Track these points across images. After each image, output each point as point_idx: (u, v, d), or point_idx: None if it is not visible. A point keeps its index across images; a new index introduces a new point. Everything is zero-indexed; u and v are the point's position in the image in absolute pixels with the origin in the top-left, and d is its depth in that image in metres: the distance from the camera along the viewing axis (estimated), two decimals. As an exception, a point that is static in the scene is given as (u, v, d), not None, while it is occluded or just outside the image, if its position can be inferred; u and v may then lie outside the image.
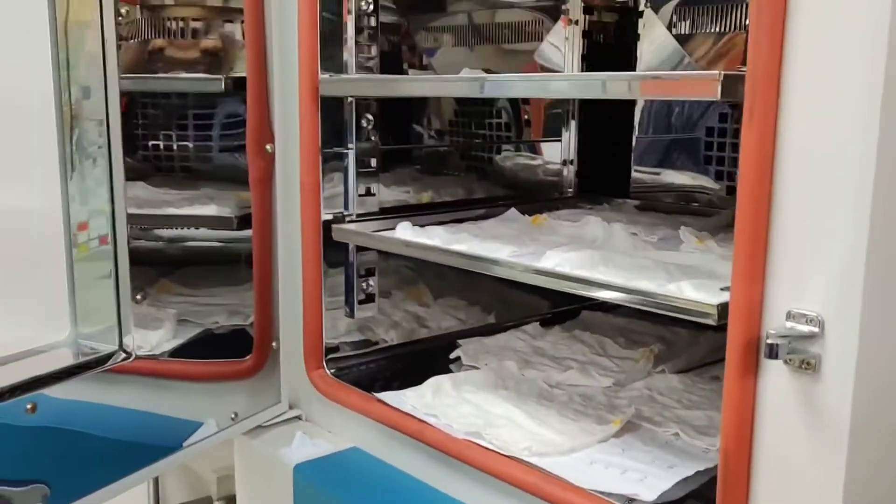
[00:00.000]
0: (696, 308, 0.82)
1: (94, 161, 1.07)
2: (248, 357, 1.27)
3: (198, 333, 1.36)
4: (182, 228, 1.55)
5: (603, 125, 1.64)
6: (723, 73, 0.74)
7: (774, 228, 0.73)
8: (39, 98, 1.06)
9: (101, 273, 1.09)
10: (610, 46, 1.59)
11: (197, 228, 1.53)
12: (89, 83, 1.05)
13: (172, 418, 1.17)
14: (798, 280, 0.72)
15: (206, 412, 1.21)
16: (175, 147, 1.75)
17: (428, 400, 1.17)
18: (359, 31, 1.25)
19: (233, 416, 1.24)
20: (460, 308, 1.56)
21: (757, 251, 0.74)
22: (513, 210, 1.38)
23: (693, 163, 1.53)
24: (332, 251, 1.26)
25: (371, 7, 1.25)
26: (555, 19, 1.58)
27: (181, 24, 1.59)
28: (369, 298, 1.32)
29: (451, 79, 1.12)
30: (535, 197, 1.64)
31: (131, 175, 1.14)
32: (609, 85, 0.91)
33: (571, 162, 1.64)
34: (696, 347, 1.36)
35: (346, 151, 1.26)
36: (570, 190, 1.65)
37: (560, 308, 1.57)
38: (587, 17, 1.55)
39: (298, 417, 1.32)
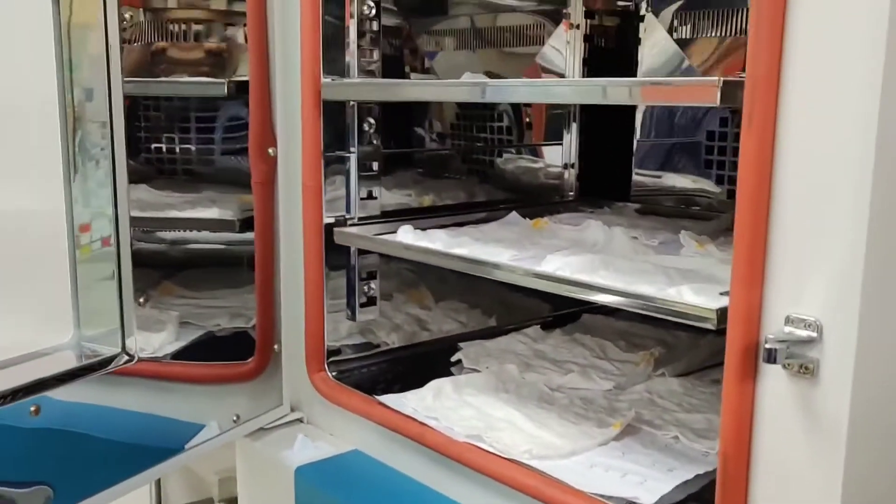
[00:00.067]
0: (696, 312, 0.82)
1: (97, 163, 1.08)
2: (250, 360, 1.28)
3: (200, 336, 1.36)
4: (184, 231, 1.56)
5: (604, 129, 1.64)
6: (722, 79, 0.75)
7: (773, 234, 0.74)
8: (41, 99, 1.07)
9: (104, 274, 1.10)
10: (611, 50, 1.60)
11: (199, 231, 1.53)
12: (92, 85, 1.06)
13: (175, 420, 1.17)
14: (796, 285, 0.73)
15: (208, 414, 1.21)
16: (177, 150, 1.75)
17: (429, 403, 1.18)
18: (361, 35, 1.25)
19: (235, 418, 1.25)
20: (461, 311, 1.57)
21: (756, 256, 0.74)
22: (514, 213, 1.39)
23: (694, 166, 1.53)
24: (334, 254, 1.27)
25: (373, 11, 1.25)
26: (556, 23, 1.58)
27: (184, 27, 1.60)
28: (371, 301, 1.33)
29: (452, 83, 1.12)
30: (537, 200, 1.64)
31: (134, 178, 1.15)
32: (610, 90, 0.92)
33: (572, 165, 1.65)
34: (696, 351, 1.36)
35: (347, 155, 1.27)
36: (572, 193, 1.65)
37: (561, 311, 1.57)
38: (588, 21, 1.56)
39: (300, 420, 1.33)
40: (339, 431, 1.27)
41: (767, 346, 0.72)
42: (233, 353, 1.30)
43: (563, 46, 1.57)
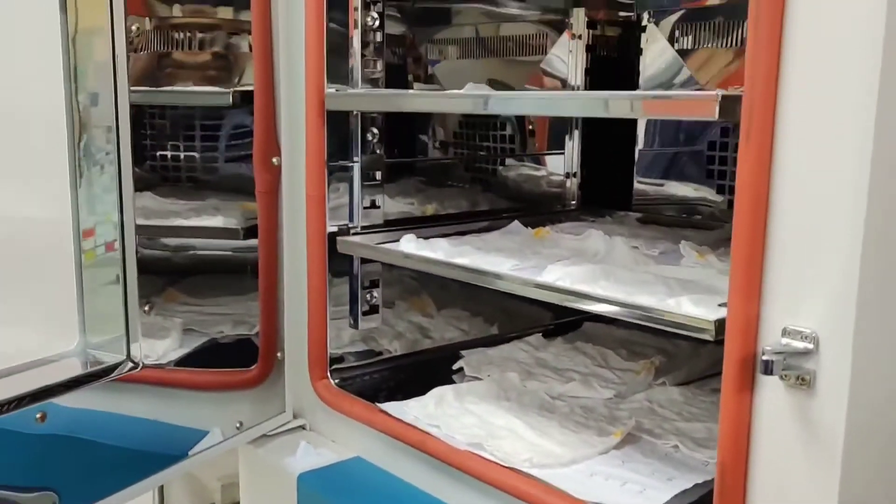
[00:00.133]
0: (694, 324, 0.83)
1: (102, 168, 1.09)
2: (253, 367, 1.29)
3: (203, 343, 1.37)
4: (188, 238, 1.57)
5: (606, 138, 1.65)
6: (721, 94, 0.76)
7: (770, 247, 0.75)
8: (45, 105, 1.07)
9: (107, 280, 1.11)
10: (613, 60, 1.61)
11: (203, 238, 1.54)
12: (97, 90, 1.07)
13: (179, 427, 1.18)
14: (793, 297, 0.74)
15: (211, 421, 1.22)
16: (182, 157, 1.76)
17: (431, 410, 1.19)
18: (365, 45, 1.26)
19: (238, 425, 1.25)
20: (463, 319, 1.58)
21: (753, 269, 0.75)
22: (516, 223, 1.40)
23: (695, 176, 1.54)
24: (337, 262, 1.28)
25: (377, 22, 1.27)
26: (559, 32, 1.59)
27: (189, 35, 1.61)
28: (373, 309, 1.34)
29: (455, 95, 1.13)
30: (539, 209, 1.65)
31: (139, 185, 1.15)
32: (611, 104, 0.93)
33: (574, 174, 1.65)
34: (696, 360, 1.37)
35: (351, 164, 1.28)
36: (573, 202, 1.66)
37: (563, 319, 1.58)
38: (590, 31, 1.57)
39: (302, 427, 1.33)
40: (341, 438, 1.27)
41: (764, 357, 0.73)
42: (236, 361, 1.31)
43: (566, 56, 1.58)
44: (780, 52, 0.72)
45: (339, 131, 1.25)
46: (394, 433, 1.15)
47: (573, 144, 1.66)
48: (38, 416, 0.97)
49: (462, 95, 1.13)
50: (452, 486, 1.08)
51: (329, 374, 1.28)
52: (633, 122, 1.61)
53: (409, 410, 1.18)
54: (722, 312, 0.80)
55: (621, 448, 1.09)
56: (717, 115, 0.76)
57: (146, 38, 1.60)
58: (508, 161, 1.71)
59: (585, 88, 1.57)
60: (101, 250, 1.11)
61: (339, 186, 1.27)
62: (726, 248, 1.18)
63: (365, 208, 1.30)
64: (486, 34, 1.69)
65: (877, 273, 0.71)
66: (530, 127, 1.72)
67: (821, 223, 0.71)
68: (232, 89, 1.34)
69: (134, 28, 1.25)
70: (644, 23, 1.53)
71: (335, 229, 1.26)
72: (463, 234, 1.33)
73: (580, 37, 1.56)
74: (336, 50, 1.23)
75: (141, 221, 1.15)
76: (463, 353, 1.43)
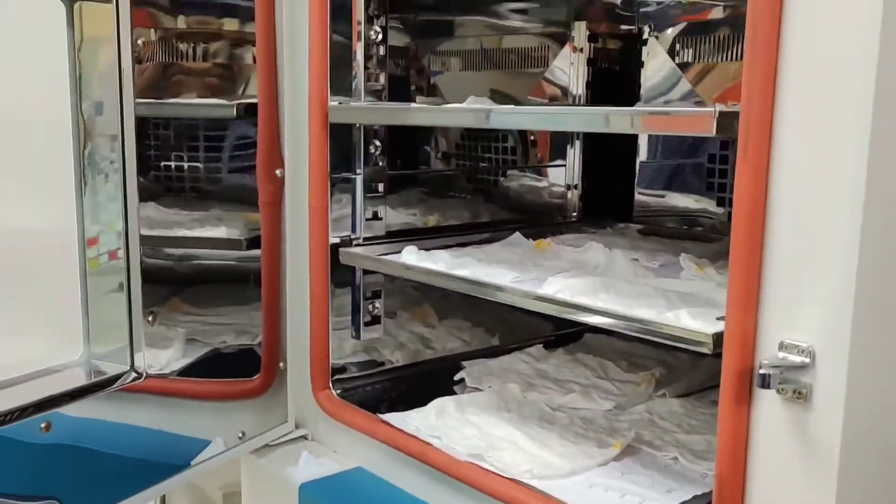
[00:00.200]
0: (692, 337, 0.84)
1: (106, 176, 1.09)
2: (255, 377, 1.29)
3: (206, 353, 1.38)
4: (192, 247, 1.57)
5: (607, 149, 1.66)
6: (718, 110, 0.77)
7: (768, 261, 0.75)
8: (47, 114, 1.08)
9: (110, 288, 1.11)
10: (614, 73, 1.62)
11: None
12: (102, 99, 1.08)
13: (181, 437, 1.19)
14: (790, 312, 0.75)
15: (214, 431, 1.23)
16: (186, 168, 1.77)
17: (432, 421, 1.19)
18: (368, 57, 1.28)
19: (240, 434, 1.26)
20: (465, 329, 1.58)
21: (751, 283, 0.76)
22: (517, 234, 1.41)
23: (696, 188, 1.55)
24: (339, 273, 1.29)
25: (380, 36, 1.28)
26: (561, 44, 1.61)
27: (194, 47, 1.62)
28: (375, 320, 1.34)
29: (457, 109, 1.14)
30: (540, 220, 1.66)
31: (143, 195, 1.16)
32: (612, 119, 0.94)
33: (576, 186, 1.66)
34: (697, 371, 1.38)
35: (353, 176, 1.29)
36: (575, 214, 1.67)
37: (563, 331, 1.58)
38: (592, 44, 1.58)
39: (304, 437, 1.34)
40: (343, 449, 1.28)
41: (761, 371, 0.74)
42: (239, 371, 1.32)
43: (568, 68, 1.59)
44: (776, 69, 0.73)
45: (341, 143, 1.26)
46: (395, 444, 1.16)
47: (574, 156, 1.67)
48: (42, 425, 0.98)
49: (464, 109, 1.14)
50: (453, 497, 1.09)
51: (331, 384, 1.29)
52: (634, 135, 1.62)
53: (411, 421, 1.19)
54: (720, 326, 0.81)
55: (621, 460, 1.10)
56: (714, 132, 0.77)
57: (151, 48, 1.62)
58: (510, 172, 1.72)
59: (587, 101, 1.58)
60: (105, 259, 1.12)
61: (342, 198, 1.28)
62: (726, 261, 1.19)
63: (367, 220, 1.31)
64: (488, 46, 1.71)
65: (873, 288, 0.72)
66: (532, 139, 1.73)
67: (817, 238, 0.72)
68: (236, 102, 1.35)
69: (140, 42, 1.26)
70: (645, 36, 1.54)
71: (337, 240, 1.27)
72: (464, 245, 1.34)
73: (582, 50, 1.57)
74: (339, 62, 1.24)
75: (145, 232, 1.15)
76: (464, 363, 1.43)
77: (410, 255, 1.22)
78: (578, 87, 1.59)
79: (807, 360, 0.73)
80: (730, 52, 1.42)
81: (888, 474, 0.80)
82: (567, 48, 1.59)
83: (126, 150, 1.09)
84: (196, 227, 1.48)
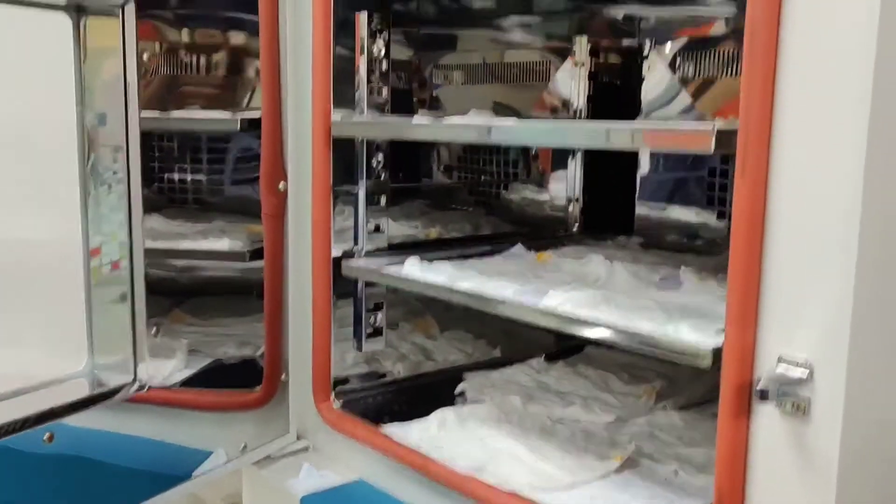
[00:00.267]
0: (691, 351, 0.84)
1: (109, 187, 1.10)
2: (257, 388, 1.30)
3: (209, 364, 1.38)
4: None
5: (608, 163, 1.67)
6: (717, 127, 0.78)
7: (766, 276, 0.76)
8: (51, 125, 1.09)
9: (112, 298, 1.12)
10: (615, 87, 1.63)
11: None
12: (106, 110, 1.08)
13: (183, 447, 1.19)
14: (789, 326, 0.75)
15: (216, 442, 1.23)
16: (189, 179, 1.79)
17: (433, 433, 1.19)
18: (371, 72, 1.28)
19: (242, 446, 1.26)
20: (466, 341, 1.59)
21: (749, 298, 0.76)
22: (518, 246, 1.41)
23: (697, 201, 1.55)
24: (342, 285, 1.29)
25: (383, 51, 1.29)
26: (563, 59, 1.62)
27: (198, 60, 1.63)
28: (377, 332, 1.35)
29: (459, 124, 1.15)
30: (541, 233, 1.66)
31: (147, 207, 1.17)
32: (612, 135, 0.95)
33: (577, 199, 1.67)
34: (697, 384, 1.38)
35: (356, 189, 1.29)
36: (576, 226, 1.68)
37: (565, 343, 1.58)
38: (593, 58, 1.59)
39: (306, 448, 1.34)
40: (344, 460, 1.28)
41: (760, 385, 0.74)
42: (241, 382, 1.32)
43: (569, 82, 1.60)
44: (773, 87, 0.73)
45: (344, 157, 1.27)
46: (396, 456, 1.16)
47: (575, 169, 1.67)
48: (45, 436, 0.98)
49: (465, 125, 1.14)
50: (454, 509, 1.09)
51: (333, 395, 1.29)
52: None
53: (412, 433, 1.19)
54: (719, 340, 0.81)
55: (621, 472, 1.09)
56: (712, 149, 0.78)
57: (156, 62, 1.63)
58: (511, 185, 1.73)
59: (588, 115, 1.59)
60: (107, 269, 1.12)
61: (344, 210, 1.29)
62: (726, 274, 1.20)
63: (369, 232, 1.31)
64: (490, 60, 1.72)
65: (870, 302, 0.73)
66: (533, 152, 1.74)
67: (815, 254, 0.73)
68: (240, 116, 1.36)
69: (146, 57, 1.27)
70: (646, 51, 1.55)
71: (340, 253, 1.28)
72: (466, 257, 1.34)
73: (583, 64, 1.58)
74: (342, 76, 1.25)
75: (148, 243, 1.16)
76: (465, 375, 1.44)
77: (412, 268, 1.23)
78: (580, 101, 1.59)
79: (805, 374, 0.74)
80: (731, 67, 1.43)
81: (886, 487, 0.81)
82: (569, 62, 1.60)
83: (131, 161, 1.10)
84: (199, 238, 1.49)
